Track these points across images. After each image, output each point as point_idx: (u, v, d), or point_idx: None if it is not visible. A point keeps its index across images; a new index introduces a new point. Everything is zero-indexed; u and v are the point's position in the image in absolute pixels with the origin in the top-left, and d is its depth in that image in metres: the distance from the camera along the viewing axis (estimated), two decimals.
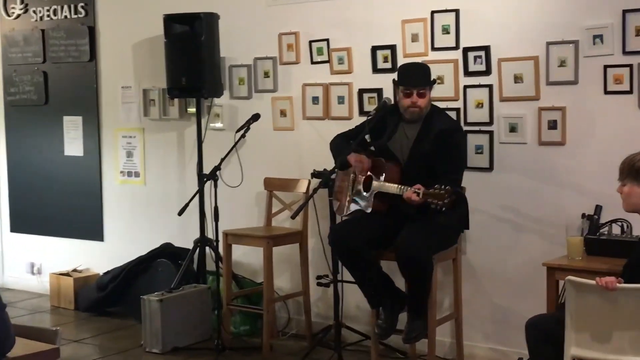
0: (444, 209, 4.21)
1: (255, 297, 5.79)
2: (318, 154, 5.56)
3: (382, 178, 4.63)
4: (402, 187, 4.48)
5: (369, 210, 4.68)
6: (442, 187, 4.22)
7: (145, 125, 6.57)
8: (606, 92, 4.65)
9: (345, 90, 5.61)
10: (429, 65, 4.87)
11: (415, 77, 4.74)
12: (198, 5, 5.94)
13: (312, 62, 5.75)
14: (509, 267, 5.06)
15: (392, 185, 4.56)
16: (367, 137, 4.89)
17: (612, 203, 4.34)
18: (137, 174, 6.63)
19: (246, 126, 5.48)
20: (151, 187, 6.60)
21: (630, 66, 4.55)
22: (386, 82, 5.27)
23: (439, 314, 4.98)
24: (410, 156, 4.68)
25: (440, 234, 4.62)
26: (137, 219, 6.66)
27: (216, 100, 6.14)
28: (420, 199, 4.32)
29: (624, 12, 4.55)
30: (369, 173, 4.72)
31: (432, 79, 4.74)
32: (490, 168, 5.07)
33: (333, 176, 4.93)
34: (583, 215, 4.56)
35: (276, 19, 5.88)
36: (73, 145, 6.86)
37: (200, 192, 5.71)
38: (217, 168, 5.35)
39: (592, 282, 3.48)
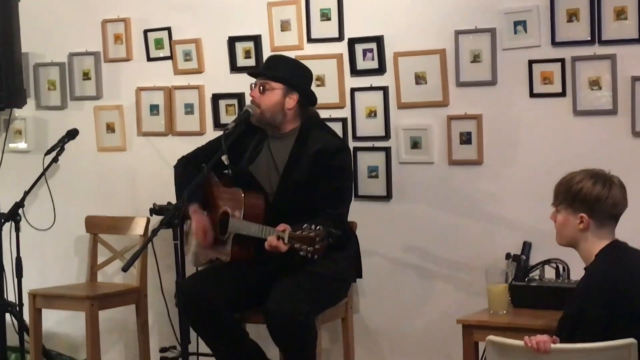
0: (315, 257, 4.22)
1: None
2: (159, 182, 5.51)
3: (241, 215, 4.61)
4: (264, 227, 4.48)
5: (228, 259, 4.66)
6: (313, 227, 4.21)
7: None
8: (532, 95, 4.78)
9: (195, 95, 5.60)
10: (305, 64, 4.88)
11: (265, 64, 4.87)
12: None
13: (149, 59, 5.73)
14: (416, 327, 5.11)
15: (252, 225, 4.55)
16: (224, 157, 4.85)
17: (543, 239, 4.45)
18: None
19: (59, 146, 5.38)
20: None
21: (562, 61, 4.70)
22: (249, 85, 5.27)
23: None
24: (281, 186, 4.67)
25: (324, 288, 4.62)
26: None
27: (17, 112, 6.03)
28: (285, 246, 4.32)
29: None
30: (224, 208, 4.70)
31: (292, 77, 4.71)
32: (387, 196, 5.14)
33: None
34: (508, 256, 4.64)
35: (99, 0, 5.83)
36: None
37: None
38: (20, 205, 5.23)
39: (520, 342, 3.54)
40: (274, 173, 4.71)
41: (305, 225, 4.22)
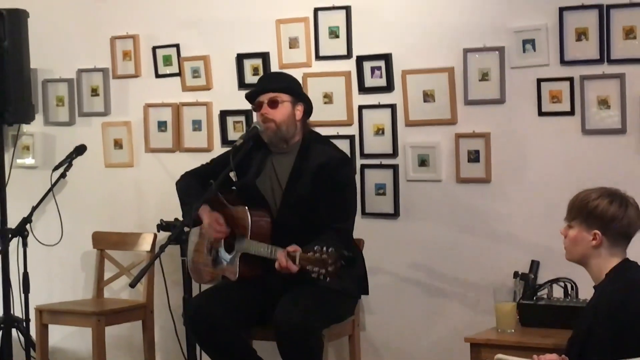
0: (328, 279, 4.17)
1: None
2: (166, 198, 5.47)
3: (248, 234, 4.60)
4: (273, 248, 4.45)
5: (235, 277, 4.65)
6: (325, 249, 4.15)
7: None
8: (541, 114, 4.77)
9: (203, 112, 5.61)
10: (309, 78, 4.89)
11: (262, 82, 4.80)
12: None
13: (158, 75, 5.74)
14: (423, 345, 5.10)
15: (260, 245, 4.54)
16: (232, 174, 4.84)
17: (551, 257, 4.44)
18: None
19: (67, 162, 5.38)
20: None
21: (571, 80, 4.69)
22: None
23: None
24: (284, 201, 4.66)
25: (331, 301, 4.60)
26: None
27: (25, 128, 6.05)
28: (296, 267, 4.28)
29: (561, 10, 4.69)
30: (231, 228, 4.68)
31: (298, 90, 4.73)
32: (395, 214, 5.13)
33: (187, 229, 4.86)
34: (516, 274, 4.62)
35: (107, 17, 5.85)
36: None
37: (4, 253, 5.55)
38: (27, 220, 5.22)
39: None
40: (277, 188, 4.70)
41: (317, 246, 4.16)
